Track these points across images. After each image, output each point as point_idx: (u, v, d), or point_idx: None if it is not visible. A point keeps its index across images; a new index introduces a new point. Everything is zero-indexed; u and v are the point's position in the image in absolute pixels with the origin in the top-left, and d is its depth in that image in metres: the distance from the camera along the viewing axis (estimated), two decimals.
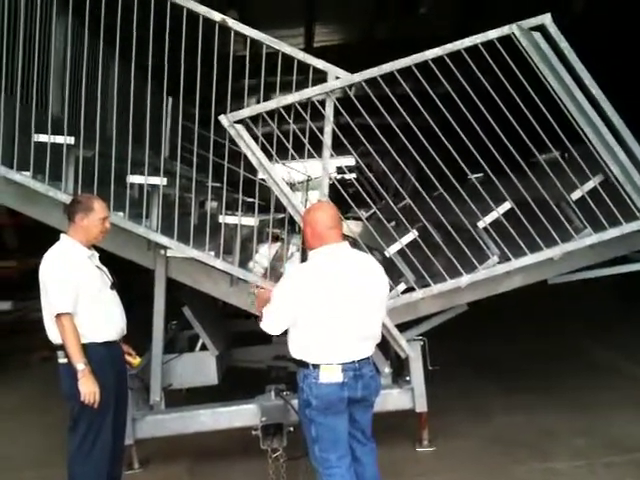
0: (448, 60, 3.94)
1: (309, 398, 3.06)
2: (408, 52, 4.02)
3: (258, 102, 4.12)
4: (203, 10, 4.00)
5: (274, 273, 4.17)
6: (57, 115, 4.21)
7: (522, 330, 7.56)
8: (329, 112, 4.05)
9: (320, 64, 4.05)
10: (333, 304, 3.03)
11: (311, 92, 4.02)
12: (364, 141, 4.21)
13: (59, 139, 3.97)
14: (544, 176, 4.13)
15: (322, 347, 3.05)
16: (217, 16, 4.01)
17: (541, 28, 3.90)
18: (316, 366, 3.04)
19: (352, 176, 4.53)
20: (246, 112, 4.04)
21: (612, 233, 4.06)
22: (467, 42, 3.94)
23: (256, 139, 4.02)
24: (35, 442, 5.00)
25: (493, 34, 3.93)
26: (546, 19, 3.88)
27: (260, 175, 4.18)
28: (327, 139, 4.05)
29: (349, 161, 4.12)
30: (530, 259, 4.15)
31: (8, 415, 5.70)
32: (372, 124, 4.07)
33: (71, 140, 3.97)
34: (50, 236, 3.62)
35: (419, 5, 9.13)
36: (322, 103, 4.11)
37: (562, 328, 7.53)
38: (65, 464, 3.49)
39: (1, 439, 5.16)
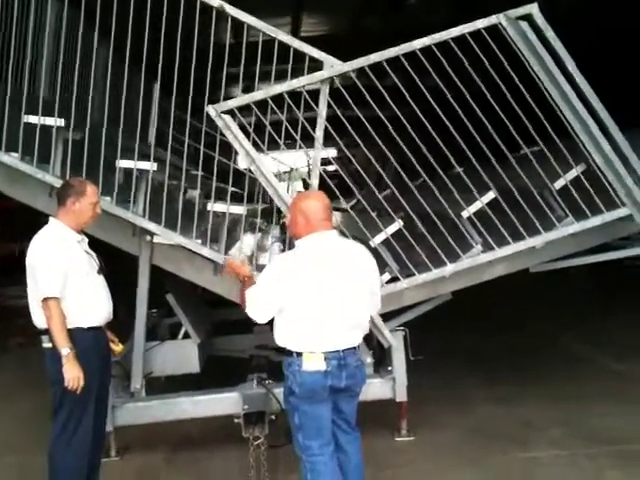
0: (436, 50, 3.92)
1: (292, 386, 3.07)
2: (396, 44, 3.99)
3: (246, 91, 4.09)
4: None
5: (255, 262, 4.12)
6: (47, 97, 4.11)
7: (503, 320, 7.65)
8: (322, 101, 3.99)
9: (316, 53, 4.01)
10: (318, 292, 3.02)
11: (302, 82, 3.97)
12: (351, 132, 4.16)
13: (49, 121, 3.90)
14: (528, 166, 4.15)
15: (306, 335, 3.05)
16: (215, 1, 3.95)
17: (528, 18, 3.92)
18: (299, 354, 3.04)
19: (334, 167, 4.54)
20: (234, 102, 3.99)
21: (594, 221, 4.10)
22: (455, 32, 3.95)
23: (244, 129, 3.99)
24: (14, 428, 4.92)
25: (481, 24, 3.94)
26: (533, 9, 3.90)
27: (244, 165, 4.14)
28: (319, 129, 4.01)
29: (332, 152, 4.12)
30: (513, 248, 4.18)
31: None
32: (360, 115, 4.05)
33: (61, 122, 3.89)
34: (30, 222, 3.54)
35: None
36: (309, 93, 4.07)
37: (541, 319, 7.63)
38: (44, 451, 3.43)
39: None
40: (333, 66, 4.01)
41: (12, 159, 3.93)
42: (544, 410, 4.83)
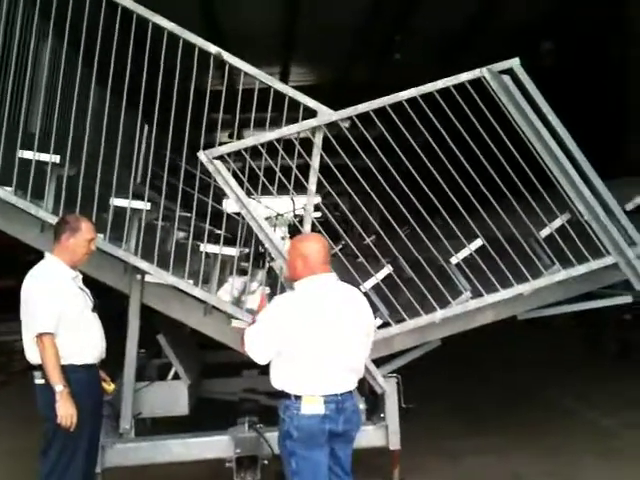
0: (421, 101, 4.06)
1: (290, 429, 3.02)
2: (382, 95, 4.12)
3: (232, 136, 4.18)
4: (199, 41, 4.06)
5: (241, 306, 4.16)
6: (42, 133, 4.20)
7: (489, 370, 7.75)
8: (316, 150, 4.09)
9: (311, 103, 4.12)
10: (318, 335, 3.02)
11: (292, 129, 4.09)
12: (340, 179, 4.21)
13: (44, 156, 3.96)
14: (513, 214, 4.24)
15: (305, 378, 3.03)
16: (213, 48, 4.06)
17: (510, 72, 4.07)
18: (298, 397, 3.02)
19: (317, 215, 4.69)
20: (224, 148, 4.09)
21: (580, 270, 4.15)
22: (440, 84, 4.11)
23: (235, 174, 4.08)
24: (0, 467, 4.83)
25: (464, 77, 4.09)
26: (514, 63, 4.06)
27: (233, 209, 4.20)
28: (312, 177, 4.09)
29: (316, 199, 4.28)
30: (502, 295, 4.21)
31: None
32: (349, 163, 4.14)
33: (56, 158, 3.95)
34: (14, 258, 3.58)
35: (394, 51, 9.43)
36: (299, 140, 4.18)
37: (527, 370, 7.71)
38: None
39: None
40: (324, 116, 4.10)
41: (5, 193, 3.96)
42: (533, 462, 4.86)
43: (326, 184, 4.19)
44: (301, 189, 4.25)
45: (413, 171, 4.13)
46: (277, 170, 4.09)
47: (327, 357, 3.03)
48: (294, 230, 4.28)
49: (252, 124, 4.00)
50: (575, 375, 7.30)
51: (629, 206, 4.23)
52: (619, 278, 4.30)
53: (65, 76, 4.17)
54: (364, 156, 4.17)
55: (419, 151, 4.11)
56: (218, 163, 4.06)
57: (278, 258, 4.07)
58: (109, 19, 4.02)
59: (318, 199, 4.46)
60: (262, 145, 4.10)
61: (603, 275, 4.30)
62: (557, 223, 4.21)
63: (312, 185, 4.12)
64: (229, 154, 4.09)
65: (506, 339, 9.12)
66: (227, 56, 4.08)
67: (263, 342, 3.08)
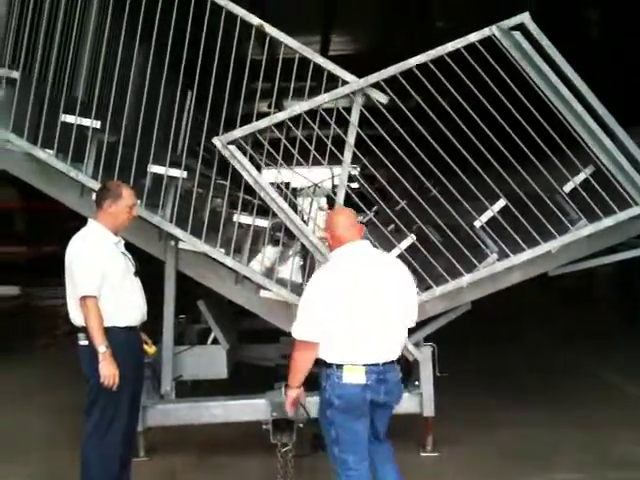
0: (432, 66, 4.04)
1: (331, 398, 3.05)
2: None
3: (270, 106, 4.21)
4: (241, 12, 4.09)
5: (273, 276, 4.28)
6: (84, 98, 4.33)
7: (532, 343, 7.59)
8: (354, 118, 4.08)
9: (348, 77, 4.10)
10: (359, 304, 3.03)
11: (317, 102, 4.09)
12: (375, 150, 4.26)
13: (86, 121, 4.04)
14: (534, 172, 4.18)
15: (347, 347, 3.04)
16: (255, 20, 4.08)
17: (521, 27, 4.00)
18: (340, 366, 3.03)
19: (355, 185, 4.75)
20: (238, 133, 4.12)
21: (607, 222, 4.04)
22: (449, 47, 4.07)
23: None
24: (42, 425, 5.10)
25: (474, 37, 4.03)
26: (525, 18, 3.98)
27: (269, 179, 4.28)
28: (348, 149, 4.10)
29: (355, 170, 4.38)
30: (529, 254, 4.16)
31: (12, 398, 5.84)
32: (383, 133, 4.14)
33: (97, 124, 4.04)
34: (60, 224, 3.77)
35: (434, 18, 9.25)
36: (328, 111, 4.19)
37: (567, 342, 7.53)
38: (72, 446, 3.61)
39: (7, 421, 5.28)
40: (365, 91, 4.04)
41: (47, 155, 4.06)
42: (569, 434, 4.76)
43: (359, 153, 4.19)
44: (332, 161, 4.28)
45: (429, 137, 4.12)
46: (305, 142, 4.07)
47: (368, 325, 3.03)
48: (333, 201, 4.34)
49: (290, 95, 4.01)
50: (615, 348, 7.06)
51: None
52: None
53: (109, 43, 4.28)
54: (397, 126, 4.12)
55: (433, 117, 4.11)
56: (233, 148, 4.12)
57: (300, 237, 4.16)
58: None
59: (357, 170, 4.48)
60: (296, 117, 4.10)
61: (631, 226, 4.16)
62: (581, 177, 4.11)
63: (348, 155, 4.09)
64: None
65: (546, 312, 8.99)
66: (269, 28, 4.07)
67: (310, 319, 3.04)
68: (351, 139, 4.12)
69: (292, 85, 4.11)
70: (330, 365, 3.04)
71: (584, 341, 7.44)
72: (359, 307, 3.03)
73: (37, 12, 4.12)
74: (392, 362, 3.10)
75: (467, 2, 9.09)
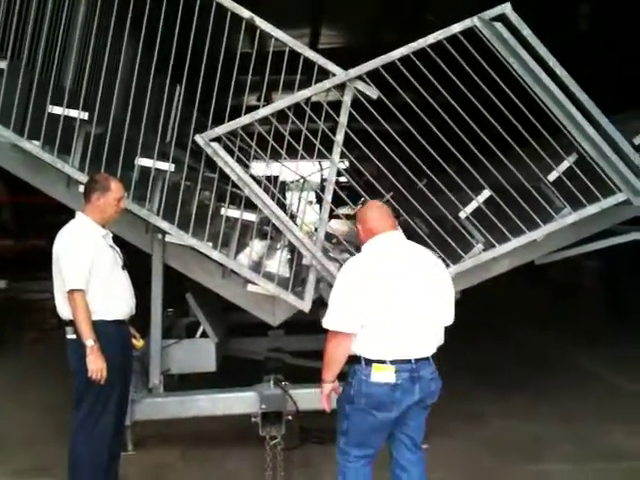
0: (414, 58, 4.03)
1: (355, 395, 2.90)
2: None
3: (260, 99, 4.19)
4: (231, 5, 4.05)
5: (260, 269, 4.27)
6: (72, 89, 4.29)
7: (523, 337, 7.66)
8: (343, 117, 4.05)
9: (338, 71, 4.07)
10: (391, 295, 2.87)
11: (305, 94, 4.07)
12: (360, 144, 4.25)
13: (73, 113, 4.00)
14: (517, 163, 4.20)
15: (377, 341, 2.87)
16: (245, 13, 4.04)
17: (502, 18, 4.01)
18: (368, 362, 2.87)
19: (343, 179, 4.76)
20: (220, 130, 4.08)
21: (591, 210, 4.07)
22: (431, 39, 4.06)
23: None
24: (29, 420, 5.03)
25: (456, 28, 4.03)
26: (506, 8, 3.98)
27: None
28: (337, 145, 4.07)
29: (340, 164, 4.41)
30: (514, 243, 4.18)
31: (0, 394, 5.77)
32: (368, 128, 4.14)
33: (85, 115, 3.99)
34: (47, 218, 3.71)
35: (426, 13, 9.25)
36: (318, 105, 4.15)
37: (556, 335, 7.59)
38: (59, 441, 3.58)
39: None
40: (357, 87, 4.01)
41: (34, 147, 4.02)
42: (556, 426, 4.79)
43: (345, 151, 4.18)
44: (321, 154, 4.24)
45: (414, 131, 4.12)
46: (288, 137, 4.06)
47: (400, 319, 2.86)
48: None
49: (280, 88, 3.98)
50: (603, 341, 7.10)
51: (638, 139, 4.11)
52: (631, 214, 4.18)
53: (98, 33, 4.22)
54: (382, 121, 4.12)
55: (417, 109, 4.12)
56: (216, 145, 4.10)
57: (285, 232, 4.13)
58: None
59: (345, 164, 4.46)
60: (288, 108, 4.09)
61: (615, 213, 4.20)
62: (564, 165, 4.14)
63: (337, 150, 4.08)
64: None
65: (535, 306, 9.04)
66: (259, 21, 4.04)
67: (344, 310, 2.87)
68: (339, 137, 4.11)
69: (282, 78, 4.07)
70: (359, 361, 2.90)
71: (573, 335, 7.49)
72: (391, 298, 2.87)
73: (25, 2, 4.10)
74: (427, 358, 2.92)
75: None
